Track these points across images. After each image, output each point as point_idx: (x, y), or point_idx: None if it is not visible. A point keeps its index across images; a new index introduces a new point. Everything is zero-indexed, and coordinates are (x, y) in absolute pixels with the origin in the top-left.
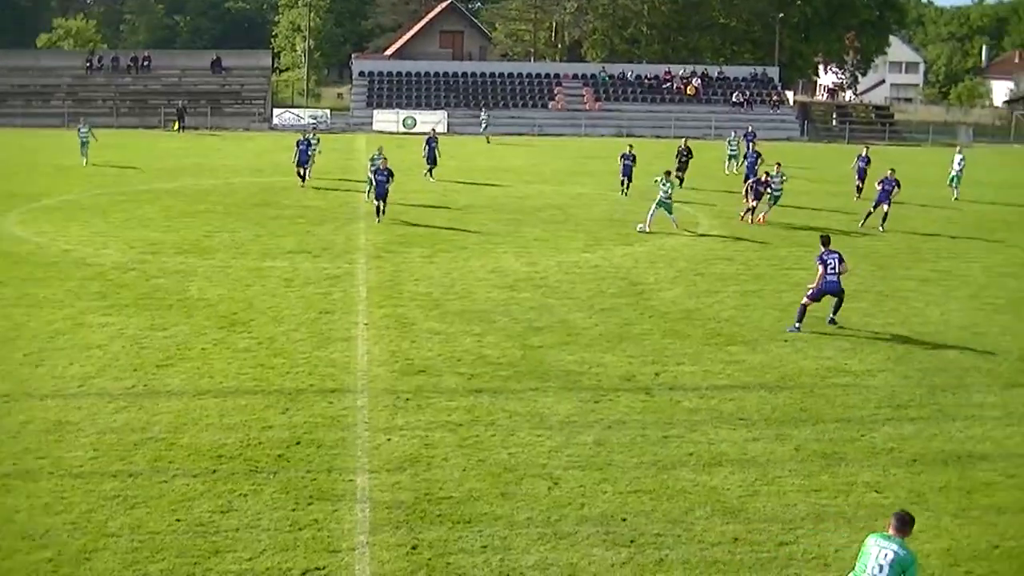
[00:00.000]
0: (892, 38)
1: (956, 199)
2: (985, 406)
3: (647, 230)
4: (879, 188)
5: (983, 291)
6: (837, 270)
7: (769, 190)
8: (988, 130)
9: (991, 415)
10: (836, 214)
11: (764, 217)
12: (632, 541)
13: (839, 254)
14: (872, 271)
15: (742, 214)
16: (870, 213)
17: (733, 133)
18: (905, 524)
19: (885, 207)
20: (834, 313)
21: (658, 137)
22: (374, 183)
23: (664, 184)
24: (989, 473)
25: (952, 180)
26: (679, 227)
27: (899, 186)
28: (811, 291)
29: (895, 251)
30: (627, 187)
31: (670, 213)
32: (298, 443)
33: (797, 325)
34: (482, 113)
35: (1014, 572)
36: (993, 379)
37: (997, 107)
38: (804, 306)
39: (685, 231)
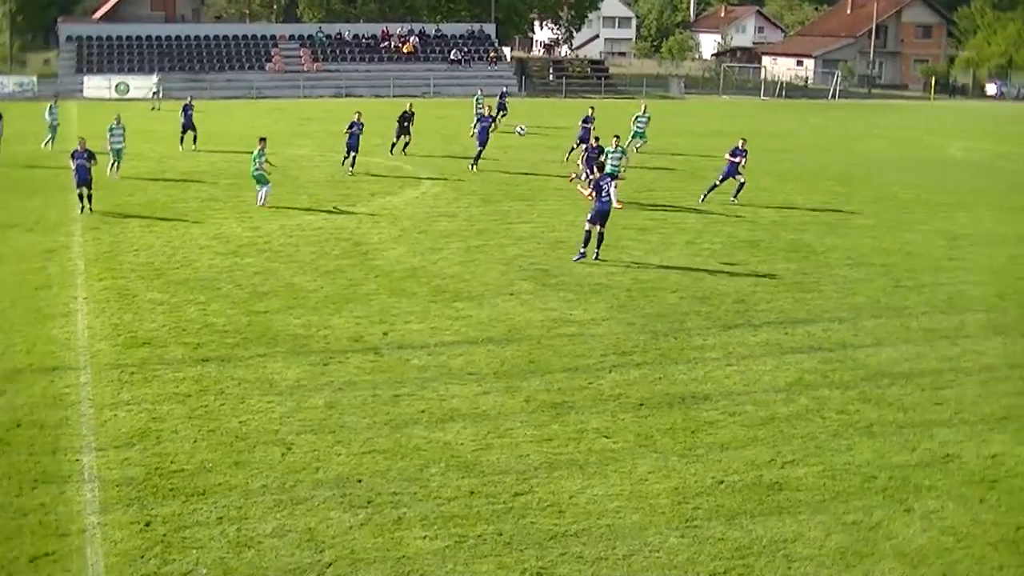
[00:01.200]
0: None
1: (638, 149)
2: (705, 348)
3: (264, 204)
4: (728, 160)
5: (699, 237)
6: (611, 194)
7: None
8: (698, 82)
9: (711, 356)
10: (558, 166)
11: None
12: (369, 502)
13: (610, 177)
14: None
15: (571, 177)
16: (715, 186)
17: (479, 92)
18: None
19: (739, 178)
20: (598, 247)
21: (377, 96)
22: (74, 167)
23: (260, 156)
24: (712, 412)
25: (635, 135)
26: (266, 203)
27: (746, 156)
28: (589, 216)
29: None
30: (353, 160)
31: (262, 185)
32: (19, 425)
33: (583, 251)
34: (154, 77)
35: (738, 504)
36: (712, 322)
37: (706, 60)
38: (588, 231)
39: (272, 206)
